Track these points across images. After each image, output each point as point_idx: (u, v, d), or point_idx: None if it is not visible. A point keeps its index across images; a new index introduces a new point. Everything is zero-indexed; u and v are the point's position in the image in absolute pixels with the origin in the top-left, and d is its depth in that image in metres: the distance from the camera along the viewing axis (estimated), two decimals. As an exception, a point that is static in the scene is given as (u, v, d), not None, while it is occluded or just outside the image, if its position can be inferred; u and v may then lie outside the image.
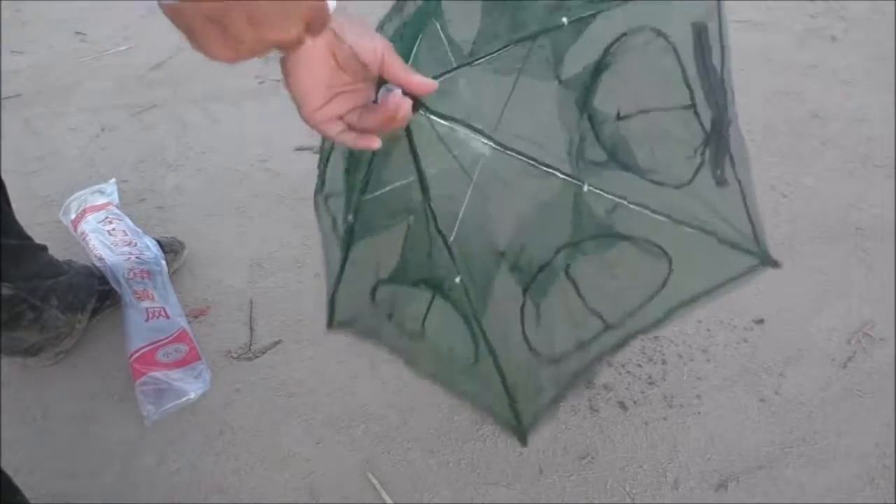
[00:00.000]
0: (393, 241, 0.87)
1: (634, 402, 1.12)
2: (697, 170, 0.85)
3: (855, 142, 1.59)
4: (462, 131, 0.70)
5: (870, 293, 1.29)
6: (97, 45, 1.87)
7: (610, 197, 0.84)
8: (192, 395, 1.11)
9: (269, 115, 1.66)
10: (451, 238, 0.77)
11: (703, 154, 0.84)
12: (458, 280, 0.76)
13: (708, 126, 0.83)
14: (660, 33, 0.78)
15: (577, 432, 1.08)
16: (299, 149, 1.57)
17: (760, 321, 1.23)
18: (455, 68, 0.69)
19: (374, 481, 1.03)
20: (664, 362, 1.18)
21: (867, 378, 1.16)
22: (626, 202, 0.83)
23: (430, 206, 0.70)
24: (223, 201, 1.46)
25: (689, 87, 0.81)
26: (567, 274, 0.90)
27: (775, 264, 0.92)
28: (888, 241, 1.37)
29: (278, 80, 1.72)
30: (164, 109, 1.68)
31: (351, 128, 0.56)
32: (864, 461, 1.06)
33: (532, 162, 0.79)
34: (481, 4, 0.79)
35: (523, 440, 1.00)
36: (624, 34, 0.79)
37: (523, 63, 0.80)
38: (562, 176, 0.82)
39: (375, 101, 0.56)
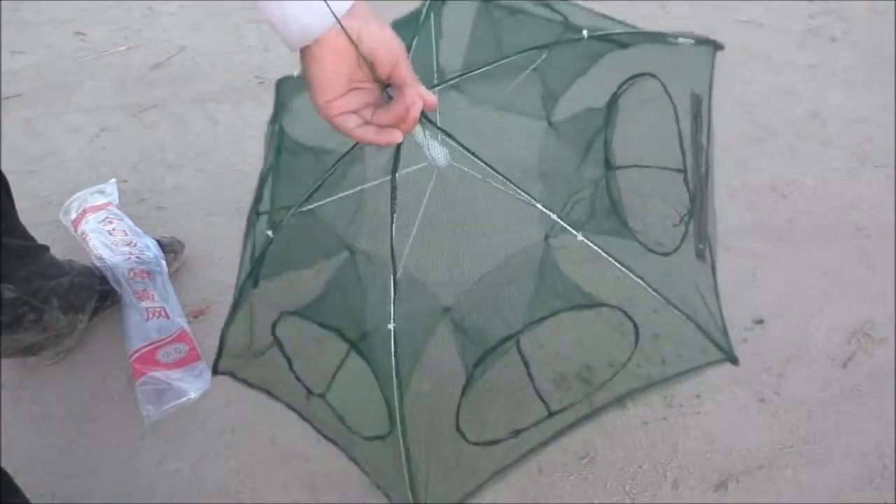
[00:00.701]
0: (314, 278, 0.77)
1: (634, 402, 1.12)
2: (683, 239, 0.80)
3: (855, 142, 1.59)
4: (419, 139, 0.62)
5: (870, 293, 1.29)
6: (97, 45, 1.87)
7: (602, 254, 0.71)
8: (193, 395, 1.11)
9: (269, 115, 1.65)
10: (400, 266, 0.65)
11: (687, 224, 0.80)
12: (390, 327, 0.64)
13: (692, 197, 0.80)
14: (666, 90, 0.75)
15: (577, 432, 1.08)
16: (299, 149, 1.57)
17: (760, 321, 1.23)
18: (450, 80, 0.66)
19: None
20: (663, 362, 1.17)
21: (867, 378, 1.16)
22: (615, 262, 0.71)
23: (393, 218, 0.62)
24: (223, 201, 1.46)
25: (683, 152, 0.78)
26: (519, 349, 0.81)
27: (735, 362, 0.83)
28: (888, 241, 1.37)
29: (278, 80, 1.73)
30: (164, 109, 1.68)
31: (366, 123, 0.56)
32: (864, 461, 1.06)
33: (523, 193, 0.67)
34: (469, 32, 0.73)
35: None
36: (634, 77, 0.75)
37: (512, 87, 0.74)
38: (555, 217, 0.68)
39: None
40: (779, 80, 1.76)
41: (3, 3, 1.96)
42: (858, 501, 1.02)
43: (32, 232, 1.05)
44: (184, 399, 1.10)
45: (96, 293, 1.18)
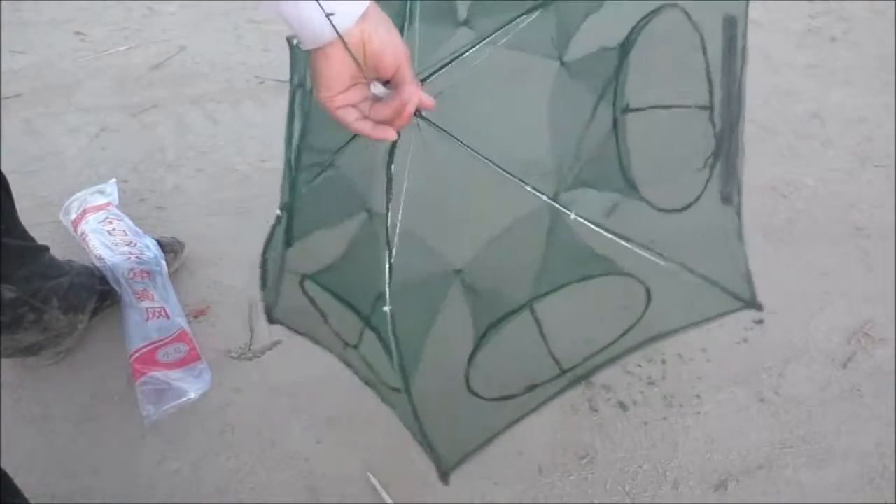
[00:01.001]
0: (339, 238, 0.77)
1: (634, 402, 1.12)
2: (706, 184, 0.77)
3: (855, 142, 1.59)
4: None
5: (870, 293, 1.29)
6: (97, 45, 1.87)
7: (596, 229, 0.72)
8: (193, 395, 1.11)
9: (269, 115, 1.66)
10: (395, 248, 0.65)
11: (713, 167, 0.77)
12: (386, 309, 0.66)
13: (720, 134, 0.75)
14: (689, 17, 0.71)
15: (577, 432, 1.08)
16: (299, 149, 1.57)
17: (760, 321, 1.23)
18: (445, 65, 0.66)
19: (374, 481, 1.03)
20: (664, 362, 1.18)
21: (867, 378, 1.16)
22: (613, 236, 0.72)
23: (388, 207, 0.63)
24: (223, 201, 1.46)
25: (710, 84, 0.74)
26: (532, 311, 0.81)
27: (759, 308, 0.82)
28: (888, 241, 1.37)
29: (278, 81, 1.73)
30: (164, 109, 1.68)
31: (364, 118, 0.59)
32: (864, 461, 1.06)
33: (518, 179, 0.69)
34: None
35: (445, 479, 0.80)
36: (654, 11, 0.71)
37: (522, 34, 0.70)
38: (546, 199, 0.71)
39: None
40: (778, 79, 1.76)
41: (3, 3, 1.96)
42: (858, 501, 1.02)
43: (32, 232, 1.05)
44: (184, 399, 1.10)
45: (96, 293, 1.18)
